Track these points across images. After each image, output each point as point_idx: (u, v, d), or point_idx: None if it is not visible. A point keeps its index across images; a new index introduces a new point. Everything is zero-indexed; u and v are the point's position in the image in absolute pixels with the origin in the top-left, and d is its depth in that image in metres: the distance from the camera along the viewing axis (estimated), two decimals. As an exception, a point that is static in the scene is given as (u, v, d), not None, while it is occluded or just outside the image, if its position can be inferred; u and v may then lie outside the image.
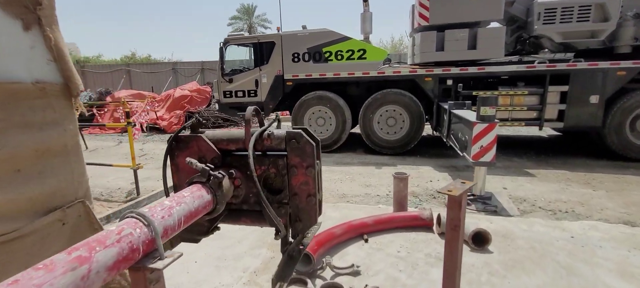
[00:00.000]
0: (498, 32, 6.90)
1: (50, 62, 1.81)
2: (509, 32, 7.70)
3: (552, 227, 3.29)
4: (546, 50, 7.64)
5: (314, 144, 1.80)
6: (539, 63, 6.75)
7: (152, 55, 22.13)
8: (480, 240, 2.92)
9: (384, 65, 7.61)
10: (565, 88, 6.55)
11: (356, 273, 2.61)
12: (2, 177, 1.61)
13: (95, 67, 17.95)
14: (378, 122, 7.48)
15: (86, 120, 9.62)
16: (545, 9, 6.50)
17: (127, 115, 4.97)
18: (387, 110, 7.43)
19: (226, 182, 1.78)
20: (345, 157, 7.35)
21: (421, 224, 3.29)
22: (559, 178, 5.43)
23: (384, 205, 4.27)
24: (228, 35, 8.23)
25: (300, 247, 2.05)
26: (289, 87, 7.95)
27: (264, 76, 8.07)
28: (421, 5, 7.01)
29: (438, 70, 7.10)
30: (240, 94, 8.29)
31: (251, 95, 8.24)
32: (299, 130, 1.82)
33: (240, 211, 1.99)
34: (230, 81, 8.28)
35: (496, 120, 4.17)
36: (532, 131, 9.20)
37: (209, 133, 1.98)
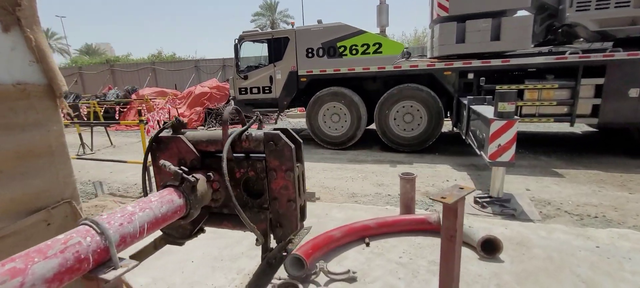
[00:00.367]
0: (525, 21, 6.42)
1: (32, 63, 1.81)
2: (539, 21, 7.17)
3: (574, 235, 2.99)
4: (581, 39, 7.04)
5: (293, 146, 1.69)
6: (570, 54, 6.22)
7: (176, 54, 22.81)
8: (490, 248, 2.69)
9: (402, 59, 7.33)
10: (600, 81, 6.01)
11: (352, 280, 2.48)
12: (-18, 179, 1.62)
13: (123, 66, 18.76)
14: (394, 119, 7.23)
15: (111, 118, 10.04)
16: (579, -5, 5.97)
17: (139, 113, 5.06)
18: (403, 106, 7.16)
19: (202, 185, 1.71)
20: (360, 154, 7.17)
21: (428, 228, 3.10)
22: (591, 180, 4.99)
23: (392, 206, 4.08)
24: (243, 32, 8.25)
25: (283, 254, 1.96)
26: (303, 83, 7.85)
27: (278, 72, 8.02)
28: (440, -6, 6.67)
29: (458, 64, 6.73)
30: (255, 90, 8.31)
31: (266, 91, 8.22)
32: (277, 132, 1.71)
33: (221, 215, 1.92)
34: (245, 78, 8.30)
35: (516, 117, 3.86)
36: (564, 127, 8.57)
37: (189, 134, 1.92)
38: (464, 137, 5.98)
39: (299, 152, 1.84)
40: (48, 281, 1.00)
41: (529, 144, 7.34)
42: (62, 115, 1.99)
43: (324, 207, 3.87)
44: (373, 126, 7.64)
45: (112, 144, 8.83)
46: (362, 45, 7.36)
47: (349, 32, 7.36)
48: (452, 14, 6.57)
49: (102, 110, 10.03)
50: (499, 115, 3.89)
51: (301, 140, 1.85)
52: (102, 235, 1.21)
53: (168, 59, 20.61)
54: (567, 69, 6.23)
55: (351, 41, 7.39)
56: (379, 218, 3.19)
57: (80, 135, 7.80)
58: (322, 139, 7.86)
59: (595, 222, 3.59)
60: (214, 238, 3.26)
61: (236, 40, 8.20)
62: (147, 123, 5.55)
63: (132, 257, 1.89)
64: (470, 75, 6.83)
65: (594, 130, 8.30)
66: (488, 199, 4.00)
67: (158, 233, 1.70)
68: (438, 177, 5.42)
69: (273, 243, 1.99)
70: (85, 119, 9.24)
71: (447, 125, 8.31)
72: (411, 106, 7.12)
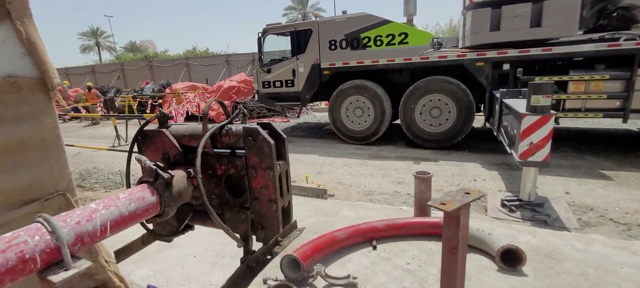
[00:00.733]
0: (571, 4, 5.75)
1: (24, 56, 1.81)
2: (588, 4, 6.41)
3: (618, 248, 2.58)
4: (639, 25, 6.21)
5: (272, 142, 1.55)
6: (625, 40, 5.49)
7: (209, 49, 23.55)
8: (512, 259, 2.39)
9: (430, 49, 6.90)
10: (661, 70, 5.25)
11: (352, 285, 2.31)
12: (-28, 170, 1.65)
13: (160, 62, 19.71)
14: (420, 113, 6.86)
15: (145, 111, 10.53)
16: (637, -28, 5.23)
17: (161, 106, 5.16)
18: (430, 100, 6.76)
19: (181, 181, 1.63)
20: (383, 150, 6.89)
21: (441, 233, 2.83)
22: (645, 184, 4.38)
23: (408, 207, 3.83)
24: (266, 25, 8.22)
25: (268, 257, 1.84)
26: (326, 76, 7.68)
27: (301, 65, 7.91)
28: (472, -22, 6.16)
29: (492, 53, 6.21)
30: (277, 84, 8.27)
31: (288, 85, 8.16)
32: (256, 127, 1.58)
33: (205, 212, 1.83)
34: (268, 71, 8.29)
35: (552, 112, 3.43)
36: (617, 124, 7.66)
37: (173, 128, 1.84)
38: (495, 133, 5.52)
39: (282, 149, 1.70)
40: (-15, 281, 0.94)
41: (573, 141, 6.64)
42: (56, 107, 2.00)
43: (334, 205, 3.72)
44: (399, 121, 7.31)
45: (144, 136, 9.24)
46: (387, 36, 7.03)
47: (373, 22, 7.05)
48: (486, -1, 6.06)
49: (136, 104, 10.56)
50: (532, 109, 3.48)
51: (284, 137, 1.71)
52: (53, 234, 1.15)
53: (201, 54, 21.34)
54: (621, 57, 5.50)
55: (376, 32, 7.09)
56: (389, 219, 2.98)
57: (115, 127, 8.23)
58: (345, 134, 7.66)
59: (646, 234, 3.11)
60: (217, 233, 3.23)
61: (260, 34, 8.20)
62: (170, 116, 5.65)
63: (118, 251, 1.86)
64: (506, 66, 6.28)
65: (654, 127, 7.35)
66: (517, 202, 3.62)
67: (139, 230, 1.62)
68: (465, 176, 5.04)
69: (260, 245, 1.88)
70: (117, 112, 9.79)
71: (479, 121, 7.78)
72: (439, 100, 6.70)
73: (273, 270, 2.45)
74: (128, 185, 1.89)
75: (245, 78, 12.44)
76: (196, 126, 1.78)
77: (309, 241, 2.58)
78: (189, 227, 1.93)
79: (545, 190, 4.25)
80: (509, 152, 4.20)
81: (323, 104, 12.17)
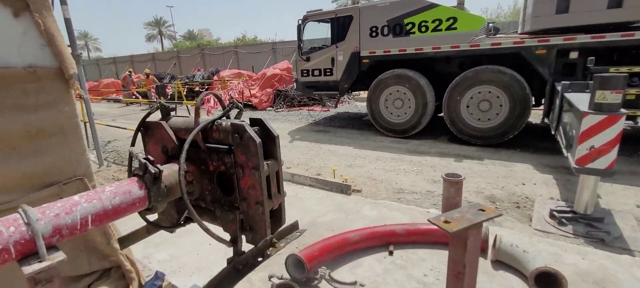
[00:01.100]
0: (663, -21, 4.77)
1: (43, 47, 1.91)
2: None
3: (697, 285, 2.08)
4: None
5: (258, 140, 1.44)
6: None
7: (258, 37, 24.11)
8: (549, 284, 2.04)
9: (482, 35, 6.24)
10: None
11: (358, 294, 2.16)
12: (-3, 153, 1.78)
13: (211, 50, 20.70)
14: (467, 106, 6.28)
15: (193, 98, 11.15)
16: None
17: (176, 95, 5.34)
18: (480, 92, 6.15)
19: (171, 176, 1.60)
20: (422, 145, 6.47)
21: (470, 244, 2.53)
22: None
23: (437, 210, 3.52)
24: (307, 12, 8.09)
25: (259, 259, 1.76)
26: (365, 65, 7.38)
27: (340, 54, 7.69)
28: (536, -47, 5.39)
29: (557, 40, 5.43)
30: (316, 72, 8.15)
31: (327, 74, 8.00)
32: (242, 123, 1.48)
33: (201, 208, 1.80)
34: (307, 60, 8.19)
35: (622, 111, 2.87)
36: None
37: (173, 120, 1.82)
38: (553, 132, 4.84)
39: (272, 148, 1.59)
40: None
41: (656, 144, 5.62)
42: (75, 96, 2.09)
43: (357, 202, 3.54)
44: (442, 114, 6.80)
45: (192, 120, 9.80)
46: (434, 21, 6.50)
47: (418, 6, 6.55)
48: (551, -24, 5.27)
49: (185, 90, 11.22)
50: (597, 107, 2.94)
51: (276, 134, 1.59)
52: (28, 226, 1.17)
53: (250, 42, 21.97)
54: None
55: (421, 17, 6.59)
56: (410, 224, 2.74)
57: (196, 109, 8.79)
58: (383, 126, 7.33)
59: None
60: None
61: (300, 21, 8.10)
62: (203, 103, 5.85)
63: (122, 238, 1.90)
64: (574, 55, 5.46)
65: None
66: (570, 214, 3.12)
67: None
68: (512, 179, 4.52)
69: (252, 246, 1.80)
70: (168, 98, 10.48)
71: (537, 116, 6.96)
72: (489, 92, 6.07)
73: (281, 267, 2.39)
74: (130, 174, 1.93)
75: (288, 66, 12.53)
76: (192, 120, 1.73)
77: (319, 241, 2.47)
78: (190, 220, 1.92)
79: (611, 202, 3.63)
80: (565, 155, 3.64)
81: (364, 94, 11.82)
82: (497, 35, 6.88)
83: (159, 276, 2.21)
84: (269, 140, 1.54)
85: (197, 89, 10.58)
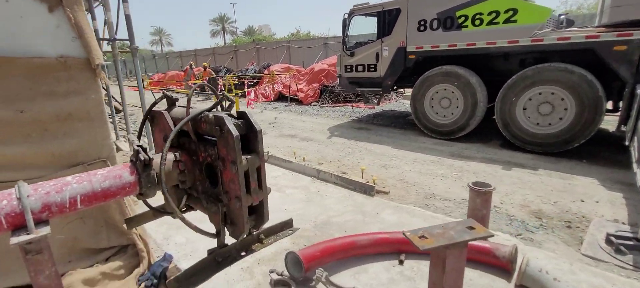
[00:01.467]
0: None
1: (74, 39, 2.10)
2: None
3: None
4: None
5: (236, 134, 1.41)
6: None
7: (311, 32, 24.36)
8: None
9: (547, 29, 5.52)
10: None
11: (355, 302, 2.04)
12: (32, 135, 2.01)
13: (266, 44, 21.47)
14: (524, 109, 5.62)
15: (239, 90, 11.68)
16: None
17: (235, 86, 5.54)
18: (540, 93, 5.45)
19: (167, 164, 1.66)
20: (468, 149, 5.96)
21: (493, 263, 2.25)
22: None
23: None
24: (353, 6, 7.91)
25: (242, 254, 1.74)
26: (411, 61, 7.00)
27: (386, 49, 7.40)
28: None
29: (642, 34, 4.57)
30: (360, 68, 7.96)
31: (371, 70, 7.77)
32: (222, 116, 1.46)
33: (194, 197, 1.84)
34: (352, 55, 8.04)
35: None
36: None
37: (175, 110, 1.88)
38: (627, 142, 4.10)
39: (254, 142, 1.54)
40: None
41: None
42: (101, 85, 2.27)
43: (378, 205, 3.37)
44: (495, 117, 6.18)
45: (240, 112, 10.28)
46: (490, 13, 5.90)
47: (472, -3, 6.00)
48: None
49: (235, 83, 11.80)
50: (678, 115, 2.40)
51: (259, 129, 1.54)
52: (19, 201, 1.28)
53: (303, 37, 22.28)
54: None
55: (475, 8, 6.03)
56: (427, 234, 2.51)
57: (236, 101, 9.32)
58: (427, 126, 6.91)
59: None
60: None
61: (345, 15, 7.97)
62: (245, 96, 6.02)
63: (129, 219, 2.02)
64: (664, 52, 4.55)
65: None
66: (633, 242, 2.61)
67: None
68: (570, 193, 3.93)
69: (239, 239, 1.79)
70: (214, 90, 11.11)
71: (611, 123, 6.01)
72: (552, 94, 5.35)
73: (280, 263, 2.36)
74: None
75: (336, 61, 12.44)
76: (202, 110, 1.76)
77: (323, 241, 2.39)
78: (190, 208, 1.98)
79: (697, 232, 2.96)
80: (634, 170, 3.05)
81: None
82: (568, 29, 6.03)
83: (166, 258, 2.34)
84: (252, 135, 1.51)
85: (245, 82, 11.10)
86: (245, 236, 1.64)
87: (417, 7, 6.73)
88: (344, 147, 6.29)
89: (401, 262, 2.38)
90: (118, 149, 5.44)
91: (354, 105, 10.59)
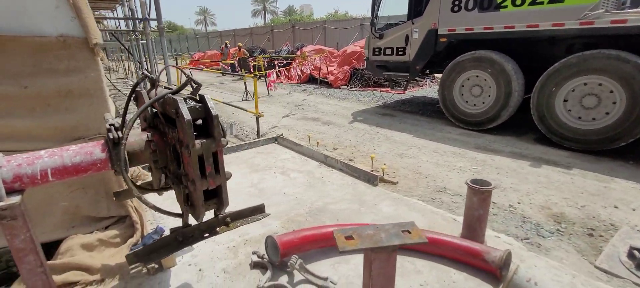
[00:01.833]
0: None
1: (73, 19, 2.22)
2: None
3: None
4: None
5: (187, 117, 1.42)
6: None
7: (349, 12, 23.73)
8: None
9: (601, 10, 4.85)
10: None
11: (327, 290, 2.02)
12: (36, 109, 2.18)
13: (302, 25, 21.33)
14: (565, 100, 5.06)
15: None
16: None
17: (255, 68, 5.59)
18: (585, 83, 4.87)
19: (138, 143, 1.72)
20: (497, 141, 5.54)
21: (481, 267, 2.09)
22: None
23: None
24: (383, -15, 7.53)
25: (206, 235, 1.77)
26: (442, 45, 6.56)
27: (416, 31, 7.00)
28: None
29: None
30: (388, 51, 7.64)
31: (399, 53, 7.42)
32: (176, 99, 1.46)
33: (168, 177, 1.89)
34: (381, 37, 7.72)
35: None
36: None
37: (159, 91, 1.92)
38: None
39: (211, 127, 1.53)
40: None
41: None
42: (99, 63, 2.39)
43: (378, 195, 3.26)
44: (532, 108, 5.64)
45: (269, 93, 10.42)
46: (533, -8, 5.31)
47: (514, -26, 5.42)
48: None
49: (266, 64, 11.91)
50: None
51: (215, 113, 1.52)
52: (-8, 170, 1.40)
53: (340, 17, 21.79)
54: None
55: (517, -13, 5.45)
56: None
57: (245, 83, 9.54)
58: (454, 115, 6.51)
59: None
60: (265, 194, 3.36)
61: (375, -5, 7.62)
62: (259, 77, 6.03)
63: (117, 193, 2.13)
64: None
65: None
66: (660, 260, 2.28)
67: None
68: (603, 198, 3.52)
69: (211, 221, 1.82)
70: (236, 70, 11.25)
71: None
72: (599, 85, 4.75)
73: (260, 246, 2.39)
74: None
75: (369, 43, 12.05)
76: (166, 93, 1.79)
77: (305, 229, 2.38)
78: (166, 188, 2.03)
79: None
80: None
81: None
82: (628, 10, 5.25)
83: (157, 230, 2.47)
84: (209, 119, 1.50)
85: (276, 62, 11.20)
86: (203, 219, 1.67)
87: (452, -15, 6.23)
88: (363, 133, 6.15)
89: (385, 256, 2.30)
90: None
91: (383, 90, 10.26)
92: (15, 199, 1.40)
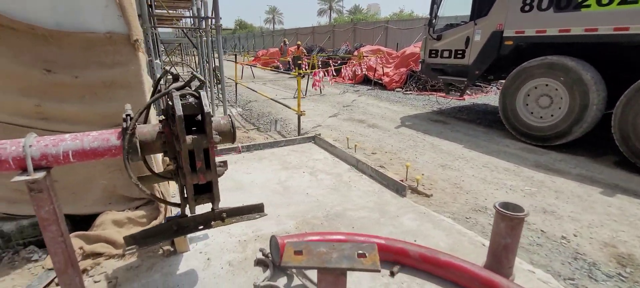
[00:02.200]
0: None
1: (119, 17, 2.48)
2: None
3: None
4: None
5: (179, 113, 1.50)
6: None
7: (414, 12, 22.69)
8: None
9: None
10: None
11: (322, 302, 1.94)
12: (85, 97, 2.49)
13: (363, 24, 20.98)
14: (659, 119, 4.19)
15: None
16: None
17: (299, 66, 5.66)
18: (689, 100, 3.97)
19: (148, 134, 1.85)
20: (565, 161, 4.82)
21: (499, 306, 1.82)
22: None
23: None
24: (446, -17, 7.04)
25: (200, 227, 1.83)
26: (507, 48, 5.92)
27: (478, 32, 6.42)
28: None
29: None
30: (445, 54, 7.13)
31: (458, 56, 6.88)
32: (173, 93, 1.52)
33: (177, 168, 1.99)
34: (438, 38, 7.24)
35: None
36: None
37: (174, 85, 2.05)
38: None
39: (204, 123, 1.56)
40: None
41: None
42: (140, 58, 2.62)
43: (402, 207, 3.05)
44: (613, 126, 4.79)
45: (321, 92, 10.50)
46: (625, -11, 4.49)
47: (601, -33, 4.64)
48: None
49: (320, 63, 11.97)
50: None
51: (207, 111, 1.56)
52: (23, 148, 1.62)
53: (405, 17, 20.94)
54: None
55: (604, -17, 4.66)
56: (429, 249, 2.18)
57: (298, 81, 9.73)
58: (515, 127, 5.81)
59: None
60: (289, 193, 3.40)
61: (435, -6, 7.16)
62: (303, 76, 6.03)
63: (140, 177, 2.33)
64: None
65: None
66: None
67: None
68: (695, 244, 2.84)
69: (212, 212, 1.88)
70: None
71: None
72: None
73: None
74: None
75: (430, 45, 11.41)
76: (171, 88, 1.89)
77: (309, 233, 2.33)
78: (170, 175, 2.14)
79: None
80: None
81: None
82: None
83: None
84: (202, 116, 1.54)
85: (331, 62, 11.21)
86: (195, 211, 1.72)
87: (524, -18, 5.57)
88: (407, 139, 5.85)
89: (392, 274, 2.15)
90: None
91: (440, 94, 9.63)
92: (41, 174, 1.60)
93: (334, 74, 9.07)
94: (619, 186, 3.96)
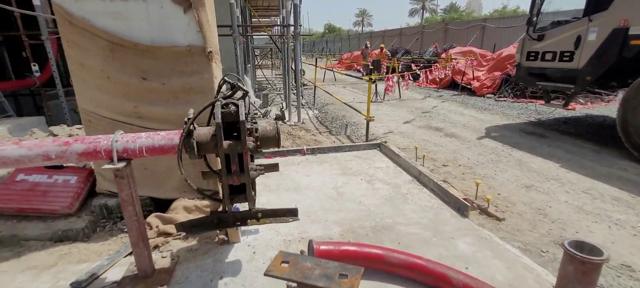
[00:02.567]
0: None
1: (198, 32, 2.85)
2: None
3: None
4: None
5: (218, 120, 1.66)
6: None
7: (520, 7, 19.78)
8: None
9: None
10: None
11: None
12: (170, 101, 2.96)
13: (455, 24, 19.24)
14: None
15: (415, 74, 11.26)
16: None
17: (371, 71, 5.58)
18: None
19: (204, 136, 2.13)
20: None
21: None
22: None
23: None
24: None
25: (237, 223, 1.98)
26: (633, 49, 4.79)
27: (593, 30, 5.35)
28: None
29: None
30: (548, 56, 6.13)
31: (564, 58, 5.85)
32: (217, 102, 1.70)
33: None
34: (540, 38, 6.26)
35: None
36: None
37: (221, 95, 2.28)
38: None
39: (240, 131, 1.68)
40: (78, 155, 1.94)
41: None
42: (213, 67, 2.97)
43: (460, 229, 2.75)
44: None
45: (400, 96, 10.13)
46: None
47: None
48: None
49: (399, 67, 11.44)
50: None
51: (242, 119, 1.69)
52: (111, 142, 2.02)
53: (509, 14, 18.47)
54: None
55: None
56: (476, 279, 1.93)
57: (375, 85, 9.61)
58: (637, 145, 4.66)
59: None
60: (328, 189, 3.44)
61: (538, -13, 6.21)
62: (374, 81, 5.88)
63: (203, 172, 2.65)
64: None
65: None
66: None
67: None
68: None
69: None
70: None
71: None
72: None
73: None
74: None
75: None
76: (218, 98, 2.09)
77: (346, 243, 2.31)
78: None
79: None
80: None
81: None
82: None
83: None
84: (238, 124, 1.68)
85: (413, 65, 10.61)
86: (230, 208, 1.89)
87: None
88: (489, 153, 5.23)
89: (429, 301, 1.98)
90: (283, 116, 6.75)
91: (540, 103, 8.31)
92: (123, 164, 1.99)
93: (411, 78, 8.65)
94: None
